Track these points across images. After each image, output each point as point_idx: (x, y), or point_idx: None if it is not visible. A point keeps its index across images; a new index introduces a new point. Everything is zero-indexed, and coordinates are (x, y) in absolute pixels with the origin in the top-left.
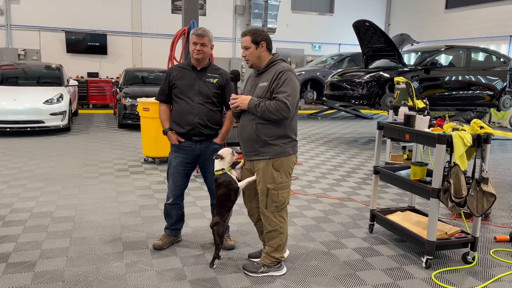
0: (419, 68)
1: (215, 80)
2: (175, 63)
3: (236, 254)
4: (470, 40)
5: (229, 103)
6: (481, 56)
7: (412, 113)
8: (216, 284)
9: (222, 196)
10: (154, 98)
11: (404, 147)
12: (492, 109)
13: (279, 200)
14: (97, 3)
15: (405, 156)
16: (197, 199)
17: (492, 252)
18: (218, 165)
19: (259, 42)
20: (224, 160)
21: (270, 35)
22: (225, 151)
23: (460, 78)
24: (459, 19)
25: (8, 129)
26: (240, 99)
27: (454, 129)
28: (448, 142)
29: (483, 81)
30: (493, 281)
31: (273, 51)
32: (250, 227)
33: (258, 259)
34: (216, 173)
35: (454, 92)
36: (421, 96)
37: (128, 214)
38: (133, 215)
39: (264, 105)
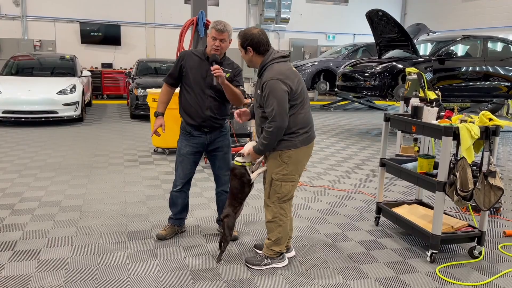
0: (433, 58)
1: (228, 75)
2: None
3: (239, 245)
4: (489, 29)
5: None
6: (498, 46)
7: (419, 104)
8: (217, 275)
9: (236, 188)
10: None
11: (415, 139)
12: (509, 101)
13: (281, 192)
14: None
15: (416, 148)
16: (204, 189)
17: (501, 247)
18: (240, 158)
19: (246, 48)
20: (245, 157)
21: (283, 25)
22: (247, 148)
23: (476, 68)
24: (478, 8)
25: (22, 119)
26: (251, 156)
27: (462, 121)
28: (455, 134)
29: (500, 72)
30: (499, 276)
31: (284, 43)
32: (254, 217)
33: (261, 251)
34: (235, 162)
35: (470, 83)
36: (434, 87)
37: (134, 204)
38: (139, 205)
39: (263, 142)
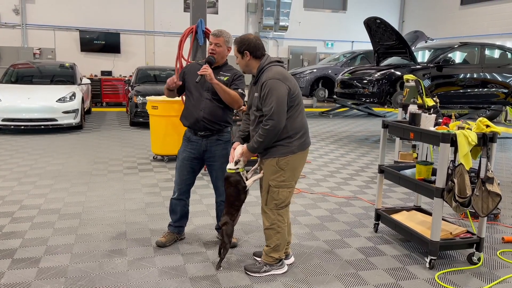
0: (431, 65)
1: (226, 78)
2: (183, 61)
3: (238, 252)
4: (486, 36)
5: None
6: (496, 53)
7: (417, 111)
8: (216, 282)
9: (232, 195)
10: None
11: (414, 146)
12: (508, 107)
13: (279, 198)
14: (110, 2)
15: (415, 155)
16: (203, 197)
17: (499, 253)
18: (232, 164)
19: (243, 52)
20: (240, 159)
21: (282, 33)
22: (239, 151)
23: (474, 75)
24: (475, 15)
25: (22, 127)
26: (244, 154)
27: (459, 128)
28: (452, 141)
29: (498, 79)
30: (498, 283)
31: (283, 51)
32: (253, 225)
33: (260, 258)
34: (228, 171)
35: (467, 90)
36: (432, 94)
37: (133, 211)
38: (138, 212)
39: (258, 139)
